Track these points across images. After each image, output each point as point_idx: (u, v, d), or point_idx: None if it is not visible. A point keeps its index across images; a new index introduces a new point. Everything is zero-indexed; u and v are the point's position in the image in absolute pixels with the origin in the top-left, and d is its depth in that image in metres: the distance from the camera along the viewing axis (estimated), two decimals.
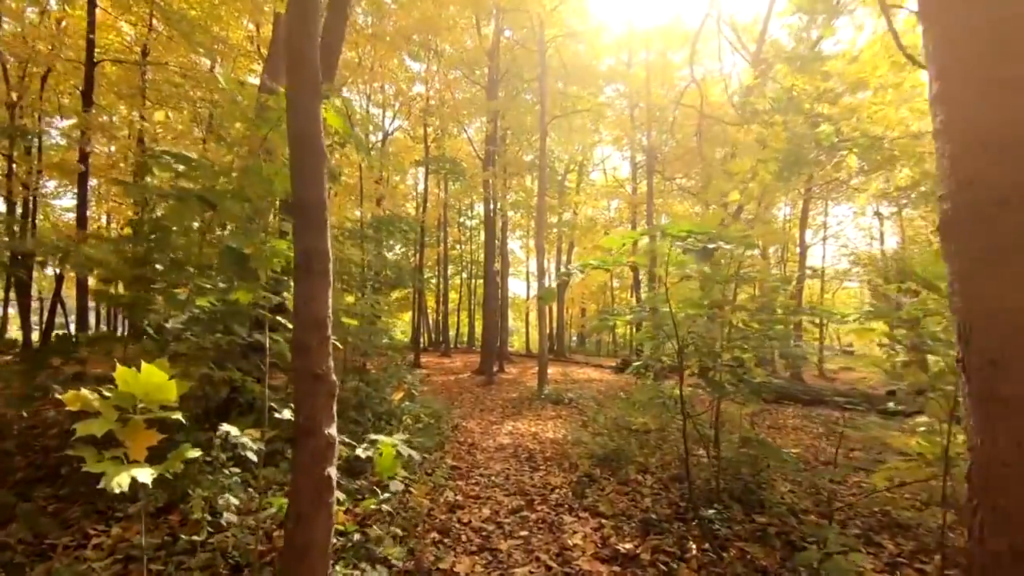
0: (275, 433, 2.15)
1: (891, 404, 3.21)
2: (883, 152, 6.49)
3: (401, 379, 5.72)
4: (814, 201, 17.81)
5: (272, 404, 2.09)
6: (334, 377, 1.77)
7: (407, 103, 19.33)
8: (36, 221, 14.95)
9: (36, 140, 13.98)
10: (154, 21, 11.90)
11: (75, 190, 11.70)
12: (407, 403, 5.60)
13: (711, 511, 3.63)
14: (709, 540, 3.36)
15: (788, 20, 11.41)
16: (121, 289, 3.34)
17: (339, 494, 2.25)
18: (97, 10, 10.88)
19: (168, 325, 2.92)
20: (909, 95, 6.84)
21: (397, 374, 5.86)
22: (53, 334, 12.62)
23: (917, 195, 9.42)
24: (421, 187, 22.90)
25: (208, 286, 3.54)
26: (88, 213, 17.00)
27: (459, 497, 4.17)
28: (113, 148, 14.50)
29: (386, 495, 2.27)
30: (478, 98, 16.71)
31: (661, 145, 18.72)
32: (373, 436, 2.30)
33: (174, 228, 3.19)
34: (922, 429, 3.18)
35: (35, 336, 13.66)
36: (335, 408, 1.77)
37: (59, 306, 14.53)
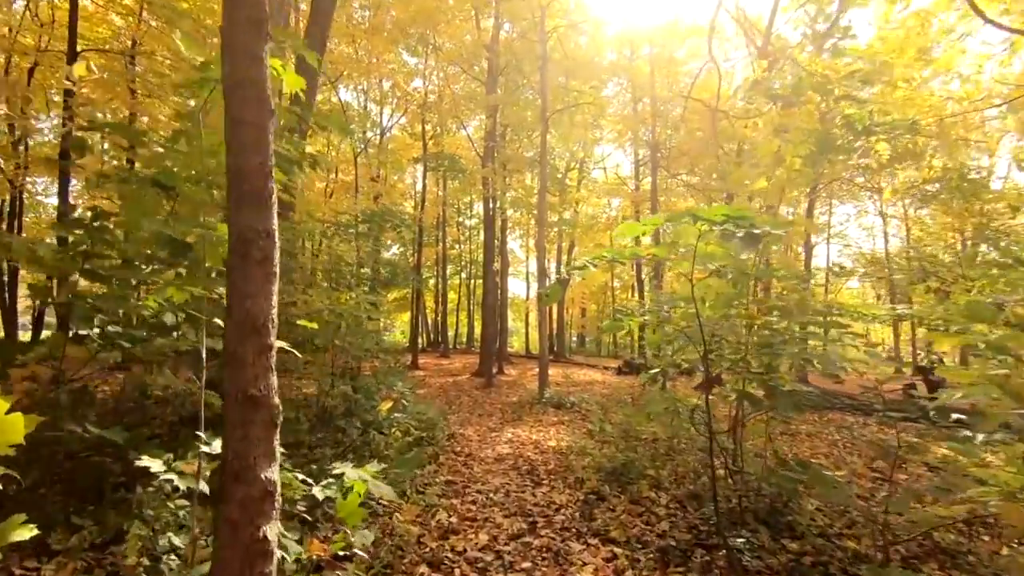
0: (214, 466, 1.72)
1: (955, 417, 2.78)
2: (919, 133, 6.02)
3: (391, 386, 5.27)
4: (818, 200, 17.40)
5: (201, 434, 1.65)
6: (277, 400, 1.32)
7: (405, 98, 18.93)
8: (23, 219, 14.51)
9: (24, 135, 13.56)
10: (145, 14, 11.48)
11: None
12: (397, 414, 5.15)
13: (740, 539, 3.20)
14: (738, 573, 2.93)
15: (794, 14, 11.08)
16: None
17: (293, 547, 1.82)
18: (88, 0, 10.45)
19: (109, 329, 2.51)
20: (943, 78, 6.41)
21: (387, 380, 5.40)
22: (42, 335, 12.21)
23: (936, 190, 9.00)
24: (419, 185, 22.51)
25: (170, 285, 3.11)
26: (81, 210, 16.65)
27: (453, 519, 3.74)
28: (106, 144, 14.08)
29: (354, 538, 1.83)
30: (477, 93, 16.32)
31: (666, 140, 18.31)
32: (339, 468, 1.86)
33: (120, 218, 2.76)
34: (970, 440, 2.76)
35: (29, 337, 13.18)
36: (277, 441, 1.32)
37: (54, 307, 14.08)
